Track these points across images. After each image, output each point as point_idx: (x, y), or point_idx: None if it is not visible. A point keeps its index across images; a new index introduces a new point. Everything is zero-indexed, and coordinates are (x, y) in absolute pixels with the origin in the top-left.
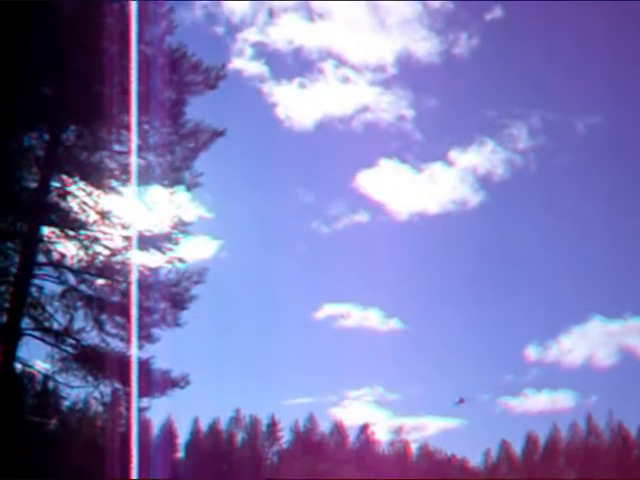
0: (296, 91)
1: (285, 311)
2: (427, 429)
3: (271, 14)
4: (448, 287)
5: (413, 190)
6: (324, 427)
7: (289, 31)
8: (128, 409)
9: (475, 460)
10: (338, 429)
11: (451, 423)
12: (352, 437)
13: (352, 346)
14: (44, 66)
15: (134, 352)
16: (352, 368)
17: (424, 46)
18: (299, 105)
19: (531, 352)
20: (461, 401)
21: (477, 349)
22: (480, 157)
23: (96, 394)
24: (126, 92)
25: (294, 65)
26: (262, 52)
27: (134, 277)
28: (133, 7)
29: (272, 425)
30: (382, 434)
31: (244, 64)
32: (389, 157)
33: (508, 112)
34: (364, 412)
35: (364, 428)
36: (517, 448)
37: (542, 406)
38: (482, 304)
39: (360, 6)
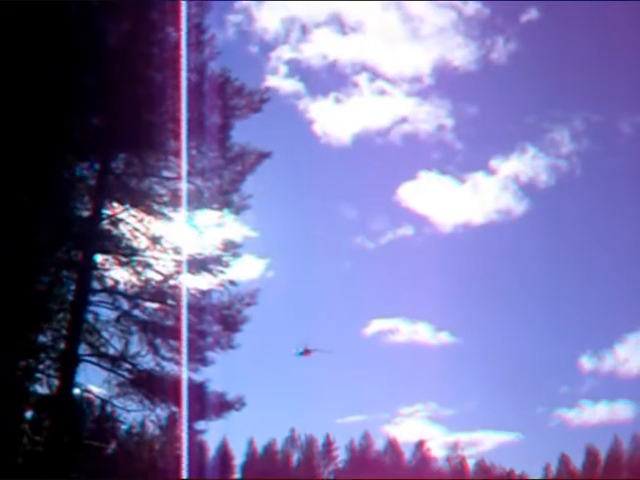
0: (332, 106)
1: (334, 328)
2: (483, 444)
3: (303, 30)
4: (497, 298)
5: (456, 201)
6: (379, 445)
7: (322, 46)
8: (184, 432)
9: (534, 475)
10: (393, 446)
11: (507, 437)
12: (408, 454)
13: (403, 361)
14: (93, 97)
15: (185, 375)
16: (404, 384)
17: (460, 53)
18: (336, 120)
19: (586, 362)
20: (306, 352)
21: (530, 360)
22: (522, 164)
23: (153, 417)
24: (173, 119)
25: (329, 80)
26: (296, 69)
27: (186, 301)
28: (179, 36)
29: (327, 444)
30: (438, 450)
31: (279, 82)
32: (430, 168)
33: (549, 116)
34: (418, 429)
35: (419, 445)
36: (577, 461)
37: (600, 418)
38: (533, 314)
39: (393, 17)
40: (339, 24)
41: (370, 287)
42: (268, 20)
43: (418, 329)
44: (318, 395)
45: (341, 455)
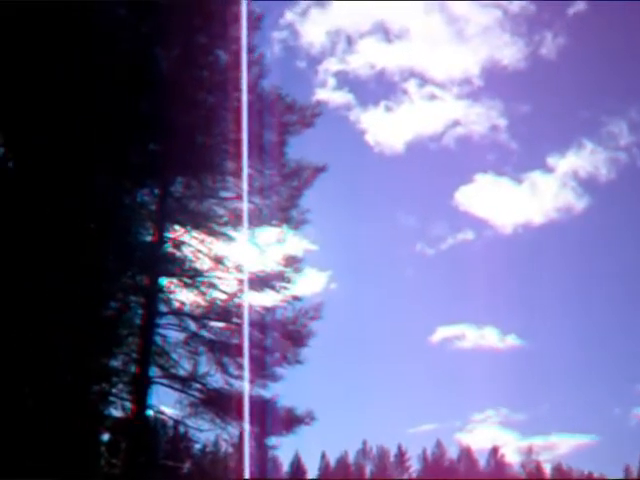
0: (383, 115)
1: (400, 338)
2: (559, 448)
3: (349, 41)
4: (563, 297)
5: (515, 201)
6: (452, 453)
7: (369, 55)
8: (257, 448)
9: (614, 477)
10: (467, 454)
11: (584, 440)
12: (482, 461)
13: (471, 367)
14: (149, 124)
15: (247, 391)
16: (474, 390)
17: (509, 52)
18: (388, 129)
19: None
20: None
21: (602, 360)
22: (580, 159)
23: (225, 435)
24: (227, 140)
25: (378, 89)
26: (345, 80)
27: (251, 318)
28: (229, 58)
29: (400, 455)
30: (512, 456)
31: (329, 95)
32: (486, 170)
33: (604, 109)
34: (491, 435)
35: (493, 451)
36: None
37: None
38: (601, 312)
39: (437, 20)
40: (384, 32)
41: (433, 294)
42: (313, 34)
43: (484, 334)
44: (388, 405)
45: (414, 465)
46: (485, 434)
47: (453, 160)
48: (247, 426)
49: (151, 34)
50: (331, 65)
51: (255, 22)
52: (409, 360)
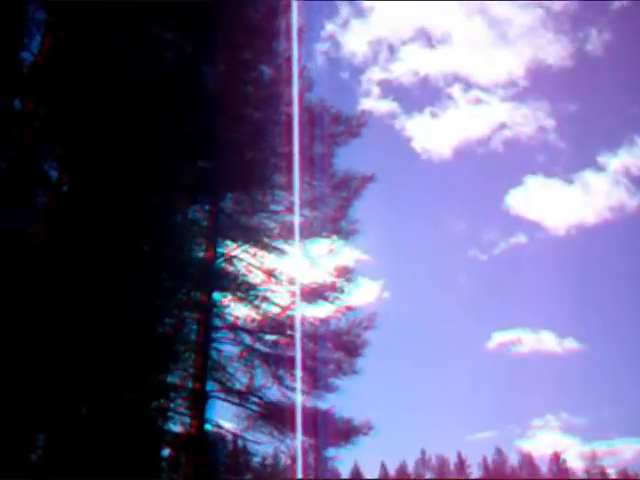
0: (429, 121)
1: (456, 345)
2: (623, 453)
3: (391, 49)
4: (619, 298)
5: (566, 202)
6: (513, 460)
7: (412, 62)
8: (316, 460)
9: None
10: (528, 461)
11: None
12: (544, 468)
13: (529, 372)
14: (198, 142)
15: (300, 403)
16: (532, 395)
17: (553, 50)
18: (434, 135)
19: None
20: None
21: None
22: (632, 157)
23: (283, 448)
24: (276, 154)
25: (422, 96)
26: (389, 89)
27: (304, 330)
28: (273, 72)
29: (460, 463)
30: (575, 462)
31: (373, 104)
32: (535, 172)
33: None
34: (552, 440)
35: (555, 457)
36: None
37: None
38: None
39: (478, 23)
40: (426, 38)
41: (487, 300)
42: (355, 44)
43: (541, 338)
44: (446, 413)
45: (474, 473)
46: (546, 440)
47: (501, 163)
48: (300, 437)
49: (196, 53)
50: (374, 74)
51: (297, 36)
52: (466, 367)
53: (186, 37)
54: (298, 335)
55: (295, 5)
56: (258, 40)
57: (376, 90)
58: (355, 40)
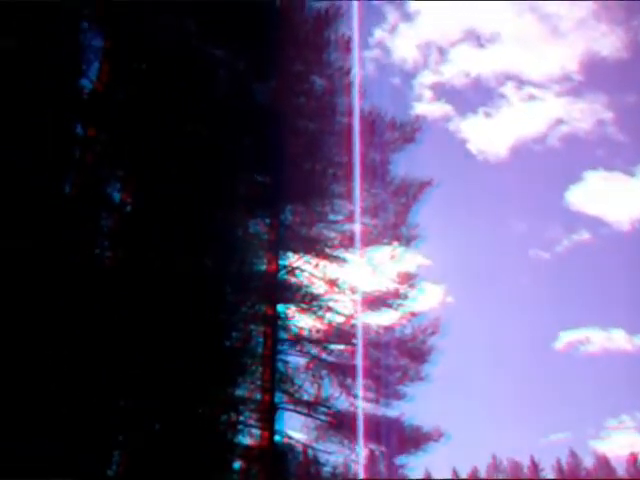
0: (483, 122)
1: (523, 346)
2: None
3: (441, 52)
4: None
5: (628, 196)
6: (587, 462)
7: (462, 64)
8: (387, 468)
9: None
10: (603, 462)
11: None
12: (620, 470)
13: (600, 372)
14: (255, 156)
15: (362, 411)
16: (605, 395)
17: (607, 42)
18: (489, 135)
19: None
20: None
21: None
22: None
23: (354, 457)
24: (333, 164)
25: (475, 96)
26: (441, 91)
27: (370, 338)
28: (326, 83)
29: (532, 466)
30: None
31: (426, 108)
32: (595, 167)
33: None
34: (628, 441)
35: (632, 458)
36: None
37: None
38: None
39: (529, 20)
40: (475, 38)
41: (552, 299)
42: (404, 49)
43: (611, 336)
44: (516, 417)
45: (548, 476)
46: (621, 440)
47: (560, 160)
48: (363, 445)
49: (248, 69)
50: (425, 78)
51: (347, 45)
52: (534, 369)
53: (237, 54)
54: (361, 343)
55: (343, 15)
56: (308, 52)
57: (428, 94)
58: (404, 45)
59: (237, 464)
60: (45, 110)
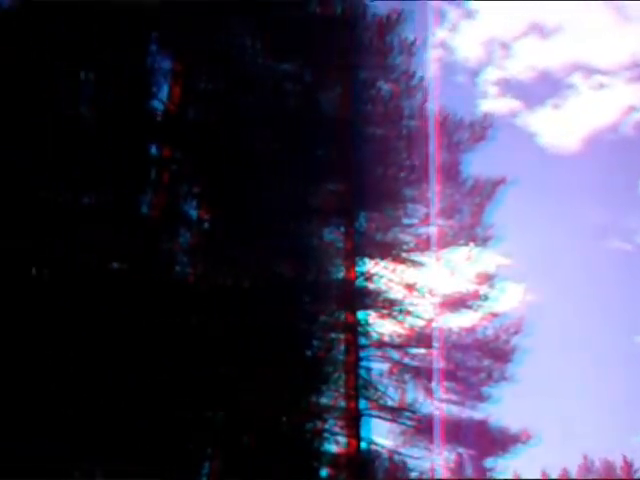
0: (552, 114)
1: (610, 342)
2: None
3: (505, 47)
4: None
5: None
6: None
7: (527, 57)
8: (475, 472)
9: None
10: None
11: None
12: None
13: None
14: (325, 165)
15: (439, 413)
16: None
17: None
18: (559, 127)
19: None
20: None
21: None
22: None
23: (441, 461)
24: (403, 168)
25: (542, 89)
26: (507, 86)
27: (451, 340)
28: (392, 87)
29: (626, 466)
30: None
31: (493, 104)
32: None
33: None
34: None
35: None
36: None
37: None
38: None
39: (594, 7)
40: (539, 30)
41: (636, 290)
42: (467, 47)
43: None
44: (606, 415)
45: None
46: None
47: (634, 147)
48: (448, 448)
49: (313, 80)
50: (490, 74)
51: (410, 48)
52: (623, 364)
53: (302, 66)
54: (442, 346)
55: (405, 18)
56: (372, 58)
57: (494, 90)
58: (467, 43)
59: (324, 472)
60: (122, 133)
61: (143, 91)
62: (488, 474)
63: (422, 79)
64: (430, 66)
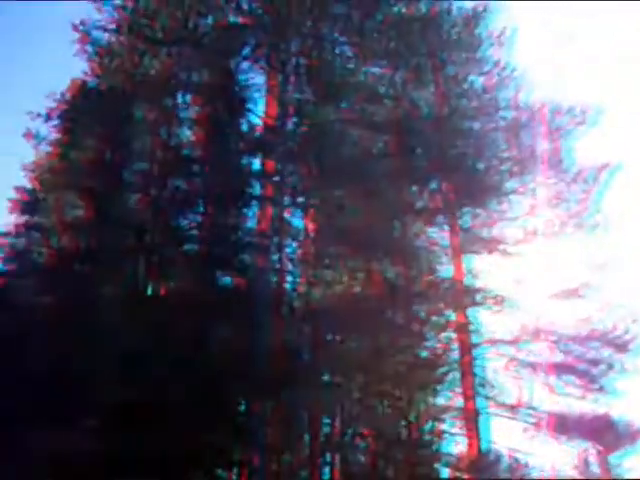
0: None
1: None
2: None
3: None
4: None
5: None
6: None
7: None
8: (600, 467)
9: None
10: None
11: None
12: None
13: None
14: (427, 164)
15: (566, 408)
16: None
17: None
18: None
19: None
20: None
21: None
22: None
23: (563, 458)
24: (502, 161)
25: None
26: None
27: (567, 333)
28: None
29: None
30: None
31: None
32: None
33: None
34: None
35: None
36: None
37: None
38: None
39: None
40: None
41: None
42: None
43: None
44: None
45: None
46: None
47: None
48: (571, 444)
49: (405, 80)
50: (580, 55)
51: (499, 39)
52: None
53: (394, 68)
54: (556, 339)
55: (491, 10)
56: (462, 53)
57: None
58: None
59: (445, 473)
60: (223, 151)
61: (239, 108)
62: (615, 470)
63: (514, 69)
64: (521, 55)
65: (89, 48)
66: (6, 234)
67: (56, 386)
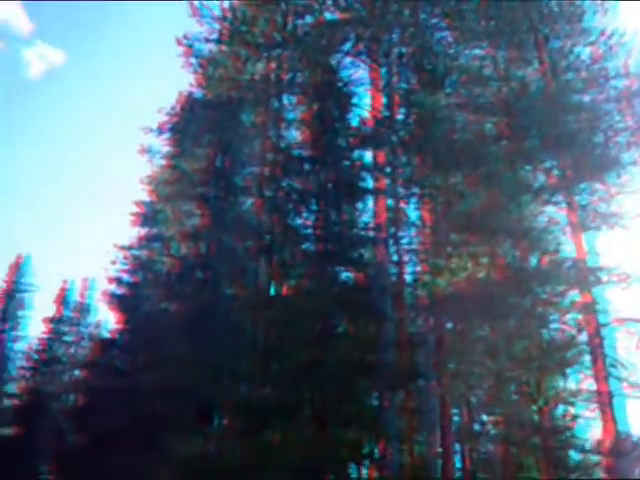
0: None
1: None
2: None
3: None
4: None
5: None
6: None
7: None
8: None
9: None
10: None
11: None
12: None
13: None
14: (540, 142)
15: None
16: None
17: None
18: None
19: None
20: None
21: None
22: None
23: None
24: (617, 132)
25: None
26: None
27: None
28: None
29: None
30: None
31: None
32: None
33: None
34: None
35: None
36: None
37: None
38: None
39: None
40: None
41: None
42: None
43: None
44: None
45: None
46: None
47: None
48: None
49: (509, 58)
50: None
51: (603, 7)
52: None
53: (496, 47)
54: None
55: None
56: (564, 24)
57: None
58: None
59: (577, 457)
60: (333, 148)
61: (345, 103)
62: None
63: (622, 36)
64: (627, 21)
65: (193, 60)
66: (129, 247)
67: (194, 390)
